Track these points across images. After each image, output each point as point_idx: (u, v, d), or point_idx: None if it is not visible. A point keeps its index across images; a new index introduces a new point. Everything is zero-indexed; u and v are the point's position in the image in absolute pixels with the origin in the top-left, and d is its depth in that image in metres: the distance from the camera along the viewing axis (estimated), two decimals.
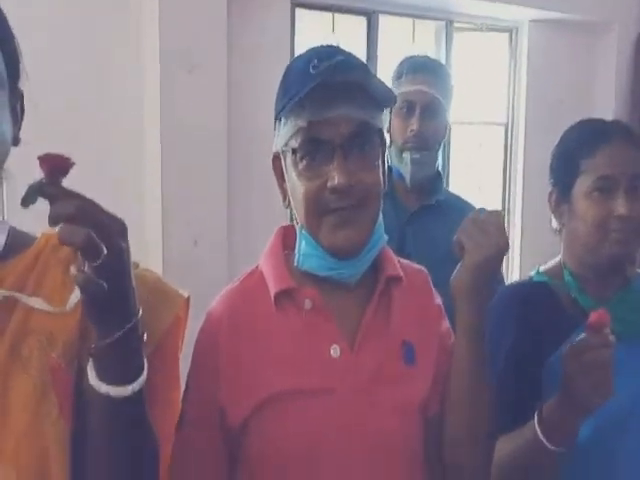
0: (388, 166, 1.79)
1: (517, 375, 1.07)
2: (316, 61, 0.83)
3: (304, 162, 0.86)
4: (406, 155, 1.69)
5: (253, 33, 2.61)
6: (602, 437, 1.04)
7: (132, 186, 2.45)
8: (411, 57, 1.78)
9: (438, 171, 1.83)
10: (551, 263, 1.23)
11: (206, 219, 2.46)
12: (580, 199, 1.15)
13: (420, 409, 0.89)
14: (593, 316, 0.91)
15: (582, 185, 1.14)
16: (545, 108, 3.56)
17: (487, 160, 3.86)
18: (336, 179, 0.83)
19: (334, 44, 0.92)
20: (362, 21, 3.04)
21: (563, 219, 1.19)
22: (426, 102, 1.68)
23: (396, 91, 1.69)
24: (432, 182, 1.77)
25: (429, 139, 1.70)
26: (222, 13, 2.43)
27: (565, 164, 1.19)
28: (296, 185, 0.87)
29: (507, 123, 3.73)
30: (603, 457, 1.05)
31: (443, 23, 3.42)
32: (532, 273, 1.24)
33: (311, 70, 0.82)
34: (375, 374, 0.87)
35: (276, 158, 0.92)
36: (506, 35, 3.67)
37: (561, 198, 1.19)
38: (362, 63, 0.89)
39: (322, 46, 0.89)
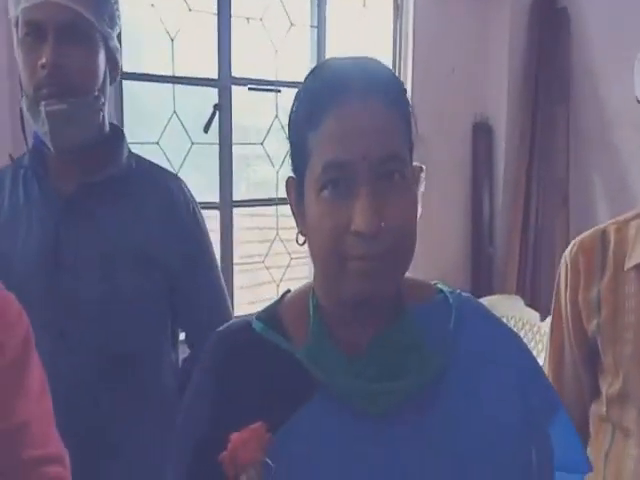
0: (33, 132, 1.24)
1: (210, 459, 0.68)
2: None
3: None
4: (42, 108, 1.12)
5: None
6: None
7: None
8: None
9: (113, 128, 1.26)
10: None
11: None
12: (309, 199, 0.71)
13: None
14: (231, 446, 0.61)
15: (311, 177, 0.70)
16: (434, 78, 3.29)
17: None
18: None
19: None
20: None
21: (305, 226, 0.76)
22: (64, 22, 1.10)
23: (16, 7, 1.16)
24: (101, 147, 1.21)
25: (75, 78, 1.12)
26: None
27: (295, 138, 0.75)
28: None
29: None
30: None
31: None
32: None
33: None
34: None
35: None
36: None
37: (300, 192, 0.74)
38: None
39: None
